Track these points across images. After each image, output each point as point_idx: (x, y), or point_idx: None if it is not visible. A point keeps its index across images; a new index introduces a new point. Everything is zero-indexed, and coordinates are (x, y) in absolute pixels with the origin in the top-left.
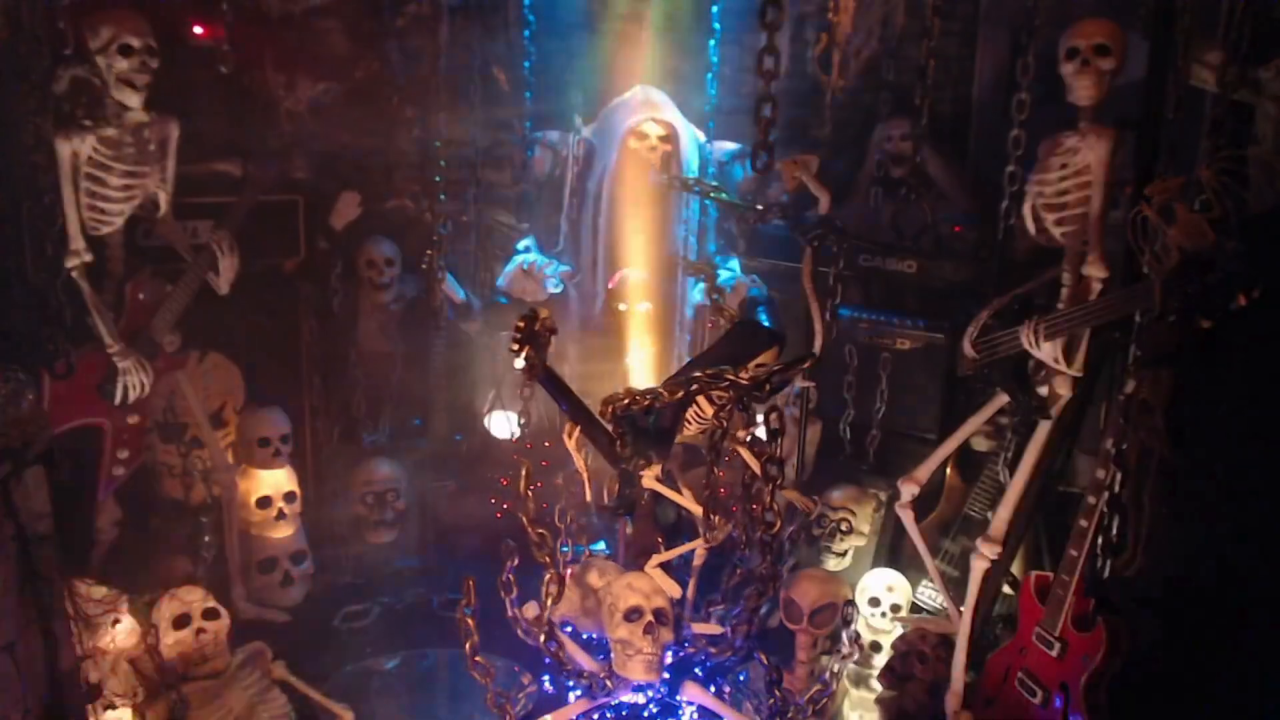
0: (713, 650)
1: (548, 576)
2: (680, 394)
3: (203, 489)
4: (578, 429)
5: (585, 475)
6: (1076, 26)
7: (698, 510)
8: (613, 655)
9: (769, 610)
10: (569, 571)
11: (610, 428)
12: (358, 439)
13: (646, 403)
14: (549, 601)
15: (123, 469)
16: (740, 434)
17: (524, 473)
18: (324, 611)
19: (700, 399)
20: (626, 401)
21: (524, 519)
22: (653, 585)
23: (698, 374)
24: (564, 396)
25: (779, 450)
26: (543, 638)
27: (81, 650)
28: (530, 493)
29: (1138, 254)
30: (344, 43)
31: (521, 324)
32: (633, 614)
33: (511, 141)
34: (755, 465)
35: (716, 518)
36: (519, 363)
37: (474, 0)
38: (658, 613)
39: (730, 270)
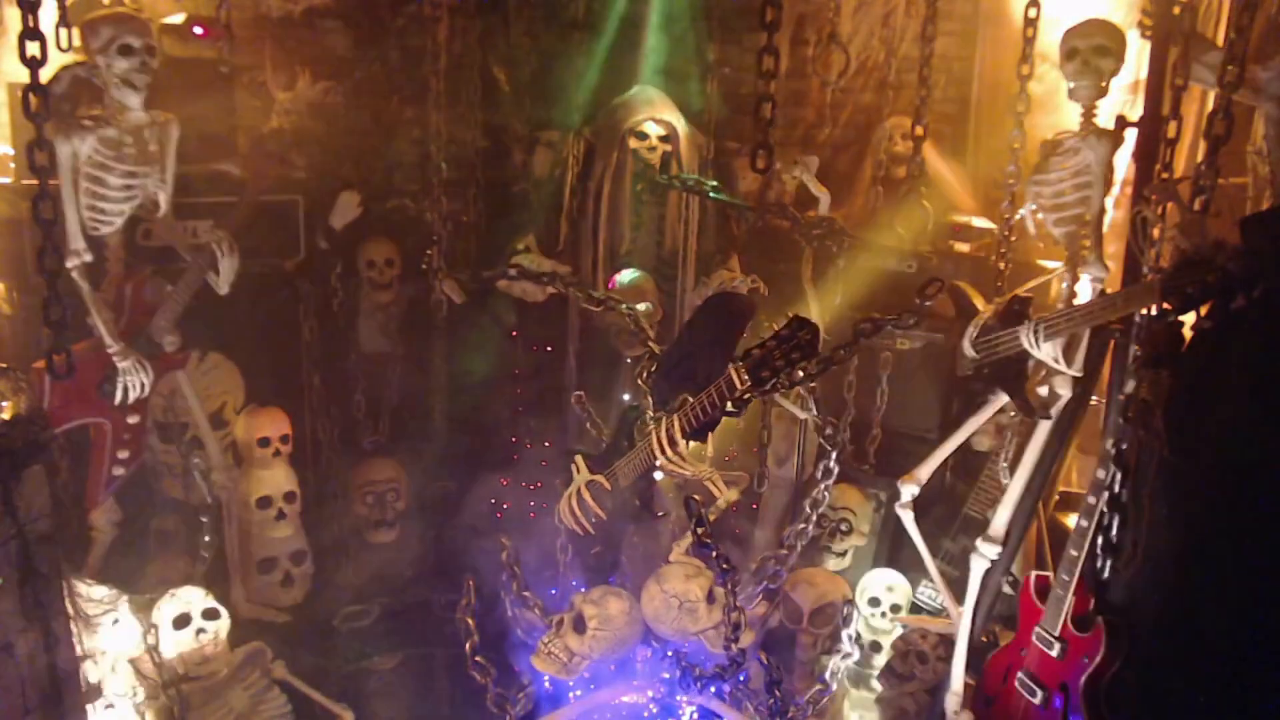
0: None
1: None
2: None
3: (203, 489)
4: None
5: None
6: (1076, 26)
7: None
8: (708, 644)
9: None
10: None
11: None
12: (358, 439)
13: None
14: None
15: (123, 469)
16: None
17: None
18: (324, 611)
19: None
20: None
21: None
22: (697, 567)
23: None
24: None
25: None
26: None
27: (81, 650)
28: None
29: (1138, 254)
30: (344, 43)
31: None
32: (713, 599)
33: (511, 142)
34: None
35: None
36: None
37: (474, 0)
38: (719, 584)
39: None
